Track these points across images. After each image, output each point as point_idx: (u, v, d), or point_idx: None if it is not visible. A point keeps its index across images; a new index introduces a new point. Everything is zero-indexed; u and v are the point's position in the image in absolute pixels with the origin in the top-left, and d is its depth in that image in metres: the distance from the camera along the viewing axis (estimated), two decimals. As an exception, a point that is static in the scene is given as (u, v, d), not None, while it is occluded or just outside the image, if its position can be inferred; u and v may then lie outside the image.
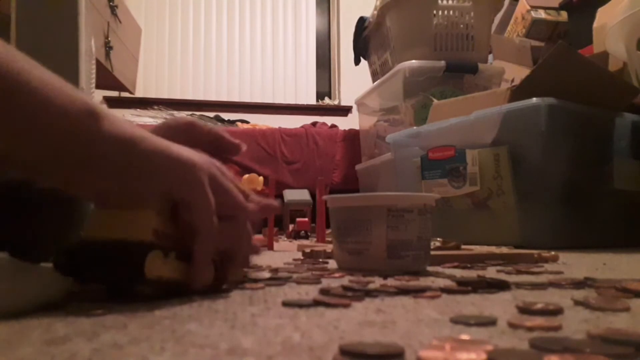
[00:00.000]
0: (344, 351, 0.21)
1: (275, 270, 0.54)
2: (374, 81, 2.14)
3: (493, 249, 0.79)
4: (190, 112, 2.94)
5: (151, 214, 0.34)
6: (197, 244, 0.36)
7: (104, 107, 0.38)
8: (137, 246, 0.33)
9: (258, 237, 1.33)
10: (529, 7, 2.21)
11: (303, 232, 1.50)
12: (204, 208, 0.36)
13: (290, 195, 1.63)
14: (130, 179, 0.34)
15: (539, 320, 0.27)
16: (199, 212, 0.36)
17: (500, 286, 0.41)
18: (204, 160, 0.38)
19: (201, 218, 0.36)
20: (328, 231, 0.92)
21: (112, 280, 0.34)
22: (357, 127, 2.44)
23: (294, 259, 0.72)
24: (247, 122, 2.95)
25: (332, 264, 0.63)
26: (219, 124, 2.78)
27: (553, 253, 0.71)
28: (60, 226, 0.48)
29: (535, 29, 2.20)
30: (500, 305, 0.33)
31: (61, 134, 0.31)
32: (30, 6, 1.26)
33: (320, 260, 0.71)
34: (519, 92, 1.07)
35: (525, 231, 1.03)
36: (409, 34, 1.80)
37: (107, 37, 1.65)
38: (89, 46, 1.33)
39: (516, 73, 1.92)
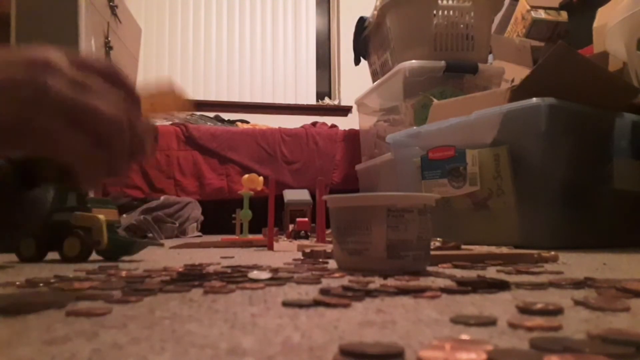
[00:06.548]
0: (344, 351, 0.21)
1: (275, 270, 0.53)
2: (374, 81, 2.14)
3: (493, 249, 0.79)
4: (190, 112, 2.93)
5: None
6: None
7: None
8: None
9: (258, 238, 1.33)
10: (529, 7, 2.21)
11: (303, 232, 1.50)
12: None
13: (290, 195, 1.63)
14: None
15: (539, 320, 0.27)
16: None
17: (500, 286, 0.41)
18: None
19: None
20: (328, 231, 0.92)
21: None
22: (357, 127, 2.44)
23: (294, 259, 0.72)
24: (247, 122, 2.95)
25: (332, 264, 0.63)
26: (219, 124, 2.78)
27: (553, 253, 0.71)
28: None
29: (535, 29, 2.20)
30: (500, 305, 0.33)
31: None
32: (30, 6, 1.26)
33: (320, 260, 0.71)
34: (519, 92, 1.07)
35: (525, 231, 1.03)
36: (409, 34, 1.80)
37: (107, 37, 1.65)
38: (89, 46, 1.33)
39: (516, 73, 1.92)
